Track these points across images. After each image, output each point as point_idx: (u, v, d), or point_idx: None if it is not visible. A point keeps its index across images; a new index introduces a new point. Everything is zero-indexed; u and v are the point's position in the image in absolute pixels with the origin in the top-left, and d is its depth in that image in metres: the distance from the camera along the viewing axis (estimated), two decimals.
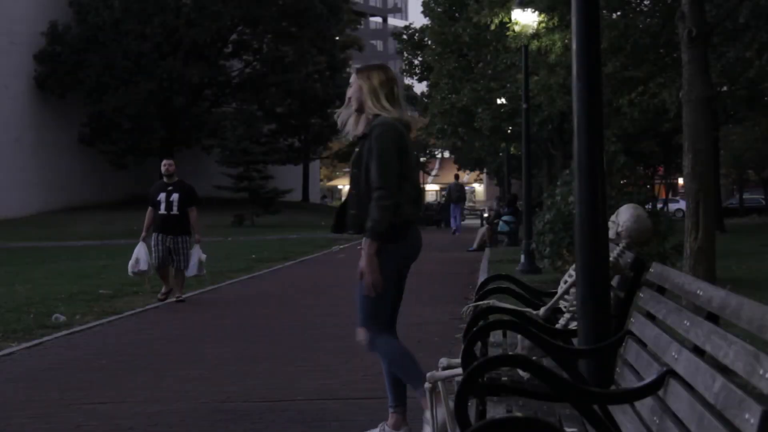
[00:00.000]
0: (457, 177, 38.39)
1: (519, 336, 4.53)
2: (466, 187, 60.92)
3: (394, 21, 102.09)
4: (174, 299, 12.33)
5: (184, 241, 12.29)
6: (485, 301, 5.50)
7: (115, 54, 41.24)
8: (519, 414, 3.70)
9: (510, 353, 4.63)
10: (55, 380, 7.26)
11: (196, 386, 6.88)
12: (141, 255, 12.42)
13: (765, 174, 52.09)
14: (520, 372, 4.08)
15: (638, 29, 17.84)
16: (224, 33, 45.18)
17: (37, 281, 15.67)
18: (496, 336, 5.46)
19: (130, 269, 12.55)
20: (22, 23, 40.61)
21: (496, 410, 3.77)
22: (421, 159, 72.92)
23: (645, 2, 19.59)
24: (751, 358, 2.29)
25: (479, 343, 4.90)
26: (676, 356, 2.98)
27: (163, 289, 12.40)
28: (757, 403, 2.12)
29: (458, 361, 4.21)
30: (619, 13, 18.28)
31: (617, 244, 4.78)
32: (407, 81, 47.56)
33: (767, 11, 16.73)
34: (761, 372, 2.20)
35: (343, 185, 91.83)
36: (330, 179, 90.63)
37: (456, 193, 33.77)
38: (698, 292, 3.10)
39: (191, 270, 12.49)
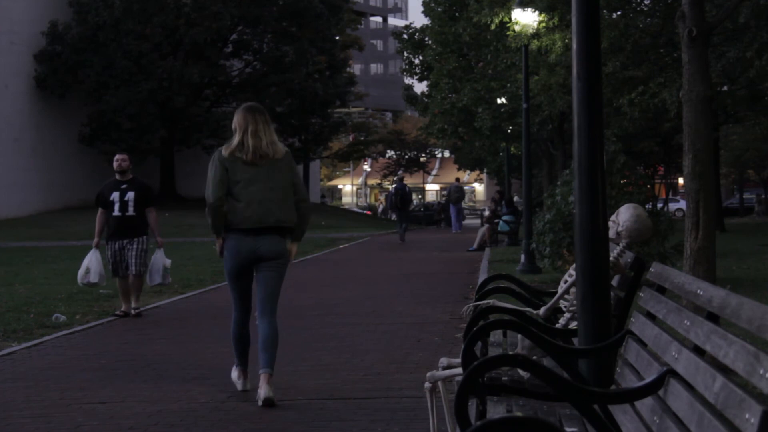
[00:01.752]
0: (458, 179, 39.98)
1: (519, 336, 4.54)
2: (466, 187, 61.17)
3: (394, 21, 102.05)
4: (132, 313, 10.92)
5: (140, 242, 10.85)
6: (485, 301, 5.50)
7: (115, 54, 41.20)
8: (519, 414, 3.70)
9: (510, 353, 4.63)
10: (55, 380, 7.26)
11: (196, 386, 6.88)
12: (92, 265, 11.05)
13: (765, 174, 52.10)
14: (520, 372, 4.08)
15: (638, 29, 17.83)
16: (224, 33, 45.12)
17: (37, 281, 15.66)
18: (496, 336, 5.46)
19: (79, 280, 11.22)
20: (22, 23, 40.58)
21: (496, 410, 3.77)
22: (421, 159, 73.03)
23: (645, 2, 19.58)
24: (751, 357, 2.29)
25: (479, 343, 4.91)
26: (676, 356, 2.98)
27: (123, 308, 10.98)
28: (757, 403, 2.12)
29: (458, 360, 4.21)
30: (619, 12, 18.27)
31: (617, 244, 4.78)
32: (407, 81, 47.50)
33: (767, 11, 16.72)
34: (761, 372, 2.20)
35: (344, 185, 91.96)
36: (330, 179, 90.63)
37: (456, 195, 36.07)
38: (698, 291, 3.10)
39: (155, 278, 11.22)
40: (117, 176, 11.07)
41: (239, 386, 6.65)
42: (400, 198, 28.34)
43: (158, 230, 11.15)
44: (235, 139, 6.30)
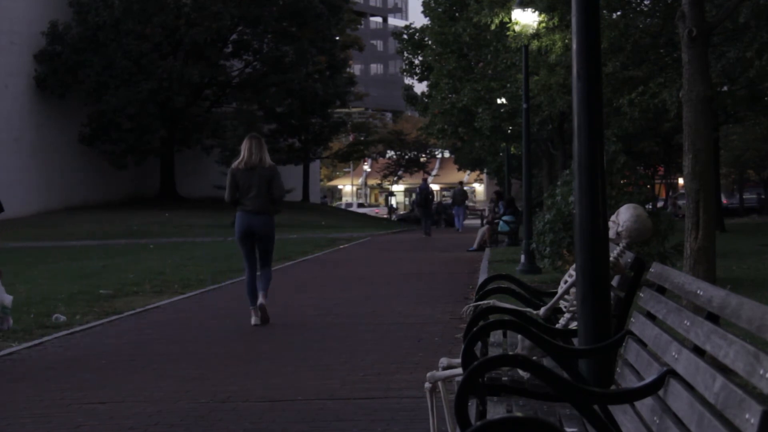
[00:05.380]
0: (461, 183, 41.68)
1: (519, 336, 4.54)
2: (466, 188, 61.51)
3: (394, 21, 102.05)
4: None
5: None
6: (485, 301, 5.50)
7: (115, 54, 41.20)
8: (519, 414, 3.70)
9: (510, 353, 4.63)
10: (55, 380, 7.26)
11: (196, 386, 6.88)
12: None
13: (765, 174, 52.09)
14: (521, 372, 4.08)
15: (638, 29, 17.82)
16: (224, 33, 45.11)
17: (37, 281, 15.65)
18: (496, 336, 5.46)
19: None
20: (22, 23, 40.58)
21: (496, 410, 3.77)
22: (421, 159, 73.09)
23: (645, 2, 19.58)
24: (751, 357, 2.29)
25: (479, 343, 4.91)
26: (676, 356, 2.98)
27: None
28: (757, 403, 2.12)
29: (458, 360, 4.20)
30: (619, 12, 18.26)
31: (617, 244, 4.78)
32: (407, 81, 47.50)
33: (767, 11, 16.72)
34: (761, 372, 2.20)
35: (344, 185, 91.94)
36: (330, 179, 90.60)
37: (460, 197, 39.28)
38: (698, 291, 3.10)
39: None
40: None
41: (252, 321, 9.85)
42: (425, 197, 32.73)
43: None
44: (241, 155, 9.93)
